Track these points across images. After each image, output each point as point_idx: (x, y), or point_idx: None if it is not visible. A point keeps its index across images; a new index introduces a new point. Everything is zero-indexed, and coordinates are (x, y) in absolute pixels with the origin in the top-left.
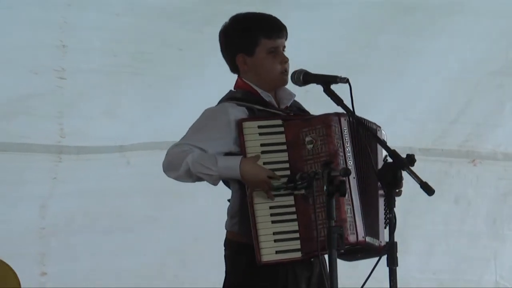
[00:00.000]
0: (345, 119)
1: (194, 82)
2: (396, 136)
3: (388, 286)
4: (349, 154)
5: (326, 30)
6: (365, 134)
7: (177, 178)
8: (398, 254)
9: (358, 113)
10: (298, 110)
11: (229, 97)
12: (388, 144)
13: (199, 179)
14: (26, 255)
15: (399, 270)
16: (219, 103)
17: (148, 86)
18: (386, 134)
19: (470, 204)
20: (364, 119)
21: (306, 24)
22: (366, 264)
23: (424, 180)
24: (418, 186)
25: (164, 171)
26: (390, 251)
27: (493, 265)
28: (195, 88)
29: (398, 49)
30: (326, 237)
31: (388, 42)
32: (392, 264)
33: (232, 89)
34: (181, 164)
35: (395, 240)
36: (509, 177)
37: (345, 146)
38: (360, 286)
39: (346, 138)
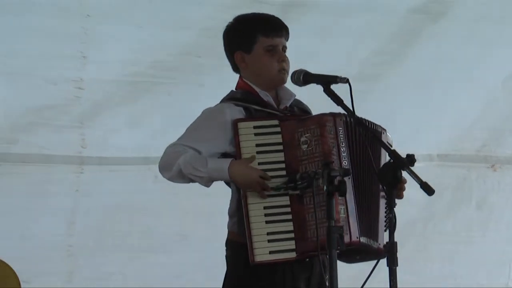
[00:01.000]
0: (341, 120)
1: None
2: (416, 142)
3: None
4: (344, 154)
5: (353, 37)
6: (364, 134)
7: (170, 179)
8: (420, 261)
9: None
10: (299, 110)
11: (228, 97)
12: (408, 150)
13: (192, 180)
14: (53, 274)
15: (421, 277)
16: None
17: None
18: (391, 137)
19: (492, 210)
20: (367, 121)
21: (334, 32)
22: (366, 264)
23: (424, 180)
24: (439, 193)
25: (159, 171)
26: (390, 251)
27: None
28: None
29: (421, 58)
30: (326, 237)
31: (414, 51)
32: (392, 264)
33: (234, 89)
34: (174, 165)
35: (395, 240)
36: None
37: (340, 147)
38: (360, 286)
39: (342, 138)
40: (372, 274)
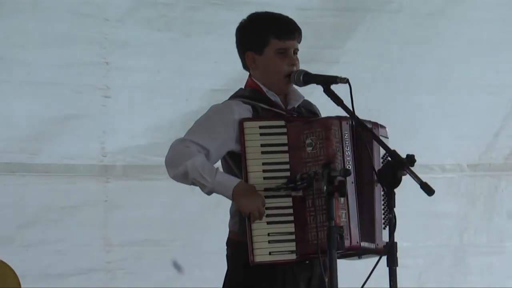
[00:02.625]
0: (347, 123)
1: None
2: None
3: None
4: (349, 158)
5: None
6: (363, 134)
7: (174, 177)
8: (459, 274)
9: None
10: (307, 112)
11: (237, 95)
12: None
13: (194, 184)
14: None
15: None
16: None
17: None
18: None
19: None
20: (367, 121)
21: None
22: (366, 264)
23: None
24: (471, 204)
25: (165, 165)
26: (390, 252)
27: None
28: None
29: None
30: (326, 238)
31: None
32: (392, 264)
33: (243, 87)
34: (181, 165)
35: (395, 240)
36: None
37: (345, 150)
38: (360, 286)
39: (347, 142)
40: (372, 275)
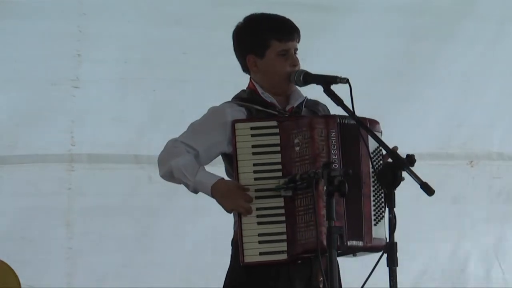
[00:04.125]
0: (334, 122)
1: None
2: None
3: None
4: (335, 157)
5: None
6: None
7: (163, 177)
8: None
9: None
10: (308, 112)
11: (235, 97)
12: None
13: (182, 183)
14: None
15: None
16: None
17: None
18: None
19: None
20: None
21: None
22: (366, 263)
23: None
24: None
25: (157, 164)
26: (390, 251)
27: None
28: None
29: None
30: (326, 237)
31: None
32: (392, 264)
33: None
34: (166, 164)
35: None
36: None
37: (331, 149)
38: (360, 286)
39: (333, 140)
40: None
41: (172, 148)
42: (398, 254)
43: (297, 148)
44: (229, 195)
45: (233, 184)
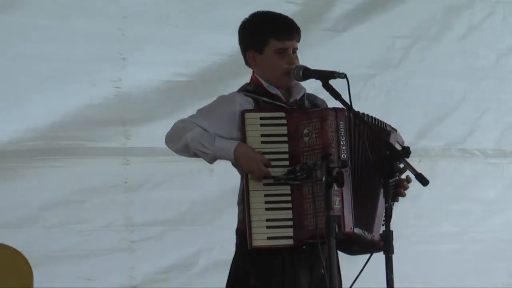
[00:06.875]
0: (343, 115)
1: None
2: None
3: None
4: (344, 148)
5: None
6: (363, 129)
7: (176, 151)
8: None
9: None
10: (309, 104)
11: (241, 89)
12: None
13: (196, 155)
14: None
15: None
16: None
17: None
18: (401, 136)
19: None
20: (377, 119)
21: None
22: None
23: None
24: None
25: (165, 142)
26: (386, 240)
27: None
28: None
29: None
30: (325, 226)
31: None
32: (388, 252)
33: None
34: (181, 138)
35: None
36: None
37: (340, 140)
38: (354, 278)
39: (342, 132)
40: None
41: (182, 124)
42: None
43: (306, 139)
44: (252, 156)
45: (252, 148)
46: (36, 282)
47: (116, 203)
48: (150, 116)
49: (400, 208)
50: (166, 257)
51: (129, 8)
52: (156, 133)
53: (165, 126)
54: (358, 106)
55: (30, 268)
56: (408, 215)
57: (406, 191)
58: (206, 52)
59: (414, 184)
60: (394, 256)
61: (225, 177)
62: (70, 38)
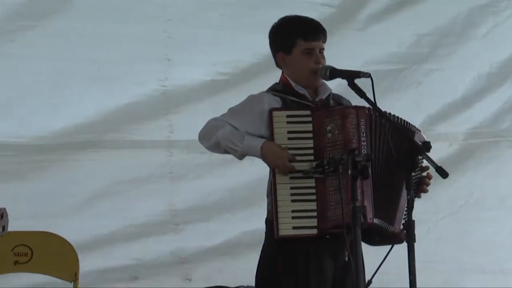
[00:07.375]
0: (363, 112)
1: None
2: None
3: None
4: (364, 143)
5: None
6: (387, 126)
7: (208, 148)
8: None
9: None
10: (335, 104)
11: (270, 88)
12: None
13: (227, 152)
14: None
15: None
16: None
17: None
18: (426, 137)
19: None
20: (403, 120)
21: None
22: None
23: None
24: None
25: (198, 139)
26: (408, 228)
27: None
28: None
29: None
30: (352, 216)
31: None
32: (410, 240)
33: (277, 82)
34: (213, 136)
35: None
36: None
37: (361, 136)
38: (376, 268)
39: (363, 129)
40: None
41: (215, 123)
42: None
43: (329, 135)
44: (278, 152)
45: (279, 145)
46: (86, 264)
47: (161, 192)
48: (192, 111)
49: None
50: (211, 238)
51: (174, 12)
52: (198, 127)
53: (206, 121)
54: (390, 98)
55: (76, 255)
56: None
57: (427, 187)
58: (245, 53)
59: None
60: None
61: (263, 168)
62: (119, 40)
